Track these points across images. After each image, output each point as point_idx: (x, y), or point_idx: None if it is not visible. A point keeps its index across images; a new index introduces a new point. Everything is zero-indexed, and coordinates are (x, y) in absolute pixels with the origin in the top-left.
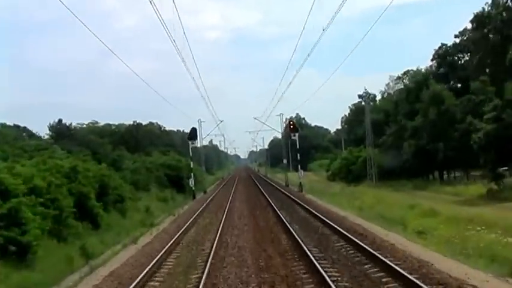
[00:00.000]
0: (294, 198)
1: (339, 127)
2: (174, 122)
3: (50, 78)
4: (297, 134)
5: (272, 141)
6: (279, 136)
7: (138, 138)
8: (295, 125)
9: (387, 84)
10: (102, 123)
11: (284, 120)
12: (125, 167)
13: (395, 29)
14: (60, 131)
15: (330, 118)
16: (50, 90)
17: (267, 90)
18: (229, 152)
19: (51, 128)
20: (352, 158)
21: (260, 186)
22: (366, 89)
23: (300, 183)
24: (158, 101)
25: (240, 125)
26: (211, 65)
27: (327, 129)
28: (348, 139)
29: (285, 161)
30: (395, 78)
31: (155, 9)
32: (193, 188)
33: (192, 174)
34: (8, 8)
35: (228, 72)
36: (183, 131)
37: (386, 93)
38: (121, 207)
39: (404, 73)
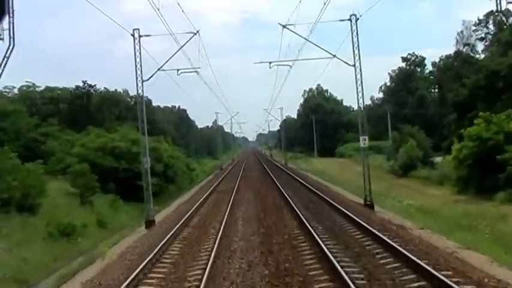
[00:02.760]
0: None
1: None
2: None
3: (60, 61)
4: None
5: (285, 120)
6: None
7: (91, 110)
8: None
9: (460, 33)
10: (42, 86)
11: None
12: None
13: (403, 11)
14: None
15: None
16: (61, 73)
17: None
18: (235, 134)
19: None
20: (494, 138)
21: (298, 208)
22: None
23: None
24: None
25: (249, 109)
26: (219, 48)
27: (349, 107)
28: (394, 113)
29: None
30: (473, 24)
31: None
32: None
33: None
34: None
35: (237, 55)
36: (178, 107)
37: (460, 46)
38: None
39: (488, 14)
